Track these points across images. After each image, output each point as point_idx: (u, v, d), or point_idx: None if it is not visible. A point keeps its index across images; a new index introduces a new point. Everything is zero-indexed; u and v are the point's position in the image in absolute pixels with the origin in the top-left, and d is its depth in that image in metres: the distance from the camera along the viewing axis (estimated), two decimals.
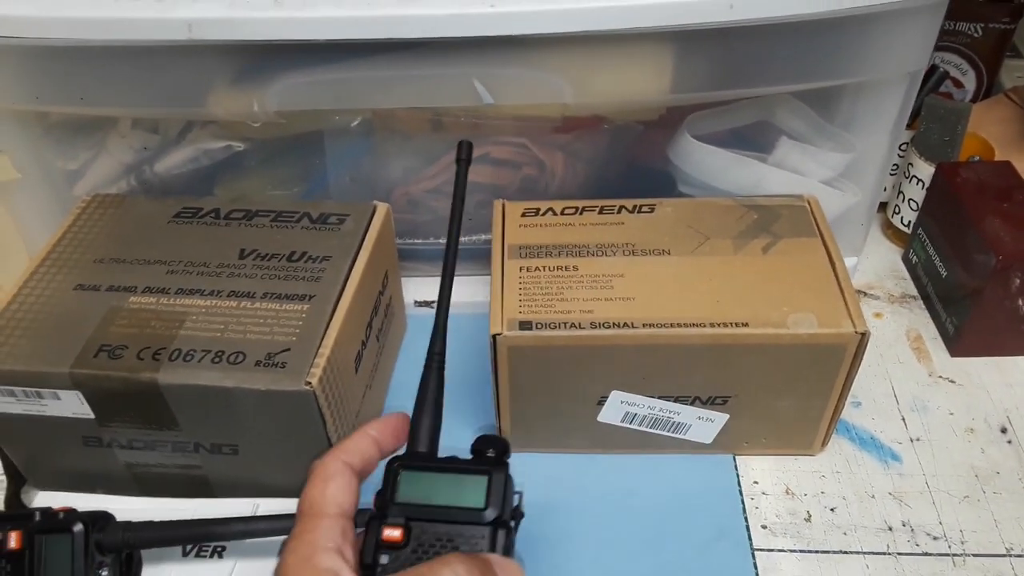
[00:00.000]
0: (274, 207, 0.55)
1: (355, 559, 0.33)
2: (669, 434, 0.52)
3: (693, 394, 0.50)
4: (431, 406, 0.39)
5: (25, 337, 0.47)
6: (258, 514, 0.49)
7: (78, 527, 0.43)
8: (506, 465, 0.37)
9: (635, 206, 0.55)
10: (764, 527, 0.50)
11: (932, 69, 0.69)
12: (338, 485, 0.35)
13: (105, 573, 0.43)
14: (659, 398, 0.50)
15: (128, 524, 0.45)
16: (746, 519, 0.51)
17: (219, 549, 0.48)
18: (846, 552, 0.49)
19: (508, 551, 0.35)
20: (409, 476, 0.36)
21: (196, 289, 0.49)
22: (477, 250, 0.64)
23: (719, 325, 0.47)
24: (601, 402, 0.51)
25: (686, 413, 0.51)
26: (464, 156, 0.44)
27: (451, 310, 0.64)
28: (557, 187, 0.60)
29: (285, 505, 0.48)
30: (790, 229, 0.53)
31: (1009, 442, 0.55)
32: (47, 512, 0.44)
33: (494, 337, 0.47)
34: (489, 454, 0.38)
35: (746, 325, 0.47)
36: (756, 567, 0.48)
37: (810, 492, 0.52)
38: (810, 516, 0.51)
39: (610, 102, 0.55)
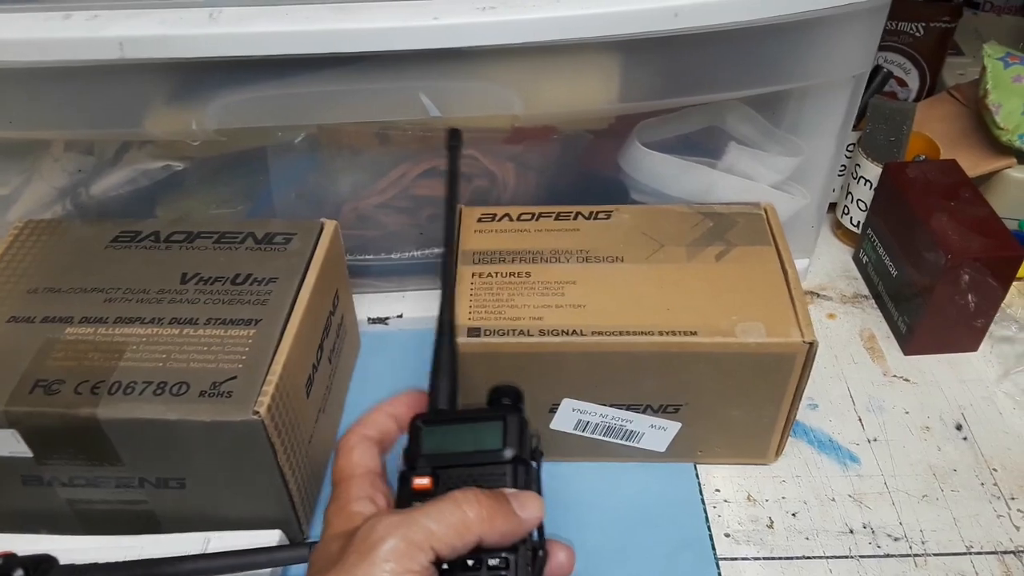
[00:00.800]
0: (217, 228, 0.53)
1: (388, 506, 0.37)
2: (623, 442, 0.52)
3: (644, 402, 0.50)
4: (447, 368, 0.42)
5: None
6: (209, 550, 0.47)
7: (18, 574, 0.41)
8: (520, 410, 0.40)
9: (591, 212, 0.55)
10: (727, 535, 0.50)
11: (876, 69, 0.69)
12: (360, 451, 0.38)
13: None
14: (611, 406, 0.50)
15: (72, 567, 0.43)
16: (709, 528, 0.50)
17: None
18: (809, 557, 0.49)
19: (529, 486, 0.37)
20: (431, 430, 0.39)
21: (136, 317, 0.47)
22: (431, 264, 0.63)
23: (668, 333, 0.47)
24: (553, 410, 0.50)
25: (639, 421, 0.51)
26: (454, 143, 0.47)
27: (410, 325, 0.63)
28: (509, 198, 0.59)
29: (238, 539, 0.47)
30: (745, 237, 0.53)
31: (964, 439, 0.55)
32: None
33: None
34: (504, 402, 0.41)
35: (695, 334, 0.46)
36: None
37: (771, 498, 0.52)
38: (772, 522, 0.51)
39: (559, 112, 0.55)
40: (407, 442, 0.40)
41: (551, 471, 0.52)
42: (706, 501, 0.52)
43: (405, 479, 0.38)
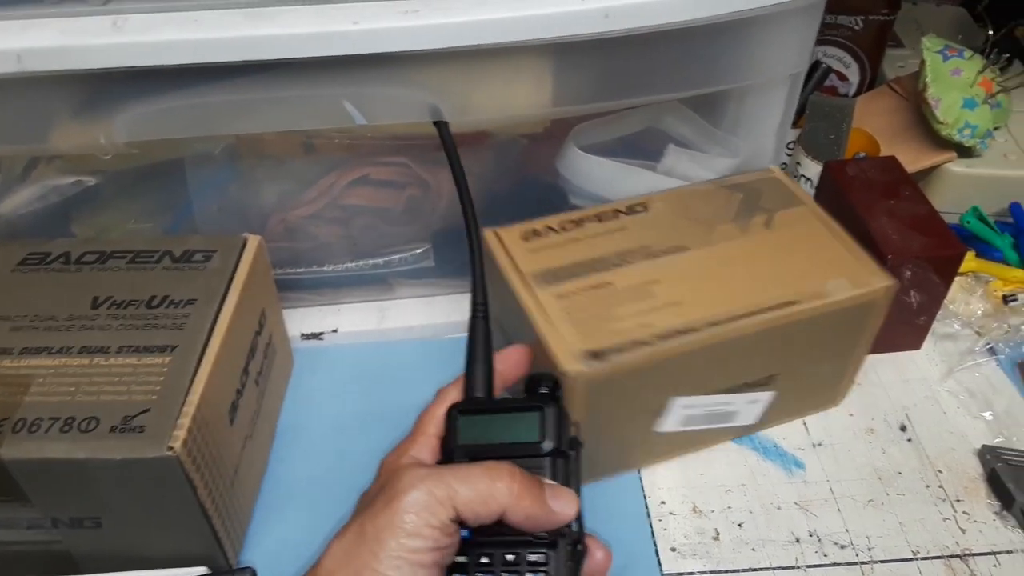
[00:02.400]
0: (132, 247, 0.50)
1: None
2: (719, 425, 0.52)
3: (744, 380, 0.50)
4: (482, 354, 0.41)
5: None
6: None
7: None
8: (558, 399, 0.40)
9: (627, 207, 0.54)
10: (673, 549, 0.49)
11: (815, 65, 0.69)
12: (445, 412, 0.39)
13: None
14: (715, 393, 0.49)
15: None
16: (655, 543, 0.49)
17: None
18: (755, 569, 0.48)
19: (568, 478, 0.38)
20: (468, 420, 0.39)
21: (43, 347, 0.44)
22: (366, 276, 0.61)
23: (772, 308, 0.47)
24: (663, 412, 0.49)
25: (737, 401, 0.51)
26: (445, 134, 0.47)
27: (346, 340, 0.61)
28: (445, 206, 0.57)
29: None
30: (777, 202, 0.54)
31: (909, 440, 0.55)
32: None
33: (570, 376, 0.44)
34: (542, 391, 0.41)
35: (795, 303, 0.47)
36: None
37: (717, 508, 0.51)
38: (718, 534, 0.50)
39: (491, 118, 0.53)
40: (443, 431, 0.40)
41: None
42: (652, 515, 0.51)
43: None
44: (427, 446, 0.39)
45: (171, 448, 0.40)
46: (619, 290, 0.48)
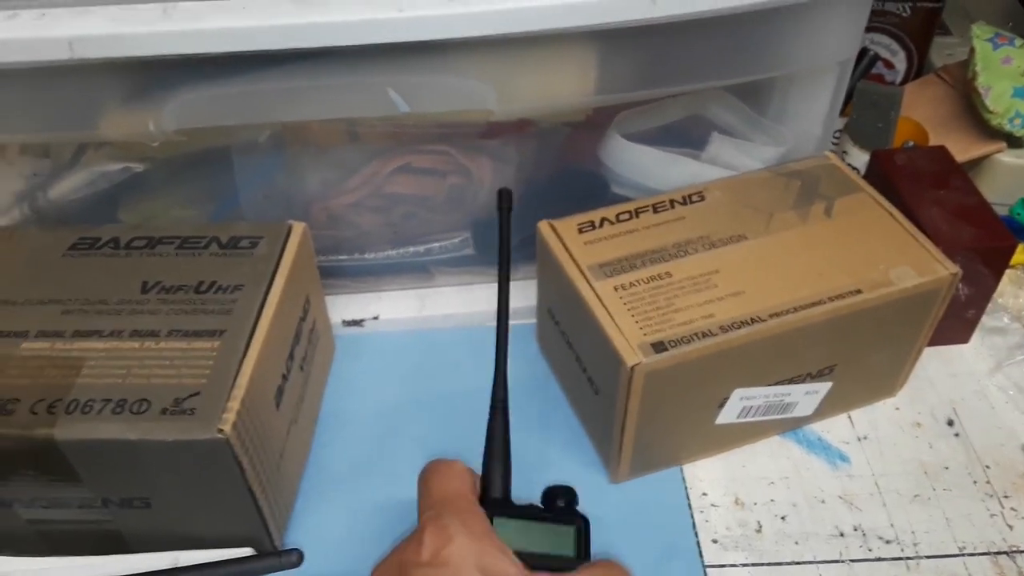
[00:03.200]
0: (180, 232, 0.51)
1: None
2: (776, 417, 0.52)
3: (806, 371, 0.49)
4: (501, 453, 0.43)
5: None
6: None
7: None
8: (581, 513, 0.42)
9: (684, 197, 0.53)
10: (715, 541, 0.49)
11: (863, 52, 0.67)
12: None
13: None
14: (775, 384, 0.49)
15: None
16: (696, 534, 0.49)
17: None
18: (799, 563, 0.48)
19: None
20: (502, 523, 0.40)
21: (95, 330, 0.45)
22: (406, 263, 0.61)
23: (836, 298, 0.46)
24: (722, 404, 0.49)
25: (796, 392, 0.50)
26: (505, 204, 0.49)
27: (386, 327, 0.61)
28: (487, 194, 0.57)
29: (208, 557, 0.45)
30: (835, 189, 0.54)
31: (956, 435, 0.54)
32: None
33: (632, 368, 0.43)
34: (559, 504, 0.43)
35: (859, 292, 0.47)
36: None
37: (760, 501, 0.51)
38: (761, 526, 0.49)
39: (535, 106, 0.52)
40: None
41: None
42: (693, 507, 0.50)
43: None
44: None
45: (221, 430, 0.40)
46: (679, 281, 0.48)
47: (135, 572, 0.45)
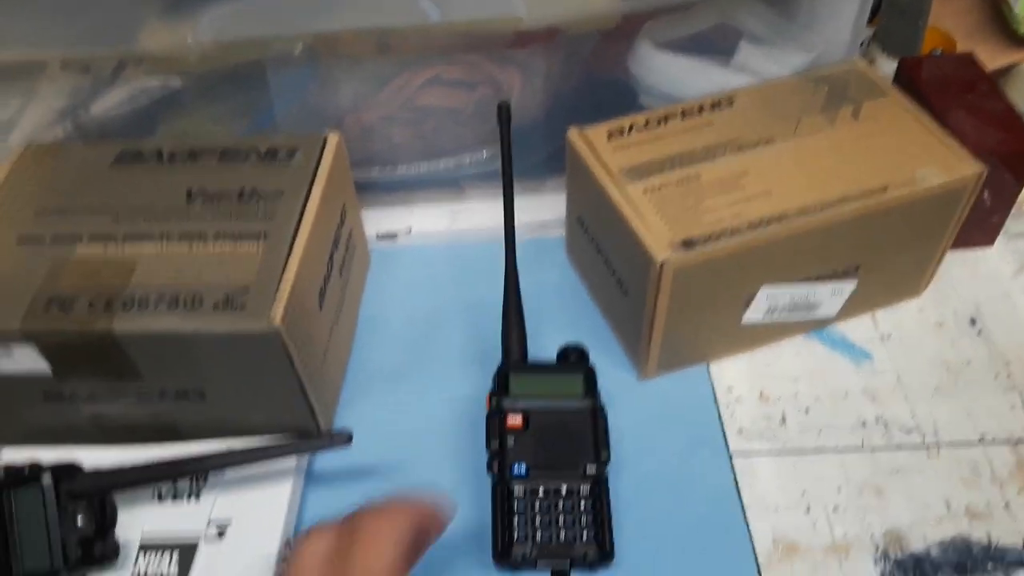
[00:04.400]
0: (219, 144, 0.53)
1: None
2: (801, 316, 0.53)
3: (831, 269, 0.51)
4: (516, 319, 0.50)
5: None
6: None
7: (46, 478, 0.42)
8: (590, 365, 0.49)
9: (712, 103, 0.54)
10: (740, 431, 0.51)
11: None
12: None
13: (80, 520, 0.42)
14: (801, 283, 0.50)
15: (98, 471, 0.44)
16: (722, 425, 0.51)
17: (195, 491, 0.47)
18: (821, 450, 0.50)
19: (607, 433, 0.46)
20: (518, 376, 0.48)
21: (145, 234, 0.47)
22: (438, 177, 0.63)
23: (862, 196, 0.47)
24: (748, 302, 0.50)
25: (821, 291, 0.52)
26: (504, 117, 0.51)
27: (419, 240, 0.63)
28: (515, 105, 0.58)
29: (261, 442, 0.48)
30: (863, 92, 0.54)
31: (979, 333, 0.55)
32: (11, 468, 0.42)
33: (661, 264, 0.45)
34: (572, 359, 0.50)
35: (885, 189, 0.48)
36: (734, 470, 0.49)
37: (784, 395, 0.52)
38: (784, 418, 0.51)
39: (563, 13, 0.53)
40: (494, 386, 0.49)
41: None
42: (719, 401, 0.52)
43: (496, 420, 0.47)
44: None
45: (271, 322, 0.42)
46: (707, 183, 0.49)
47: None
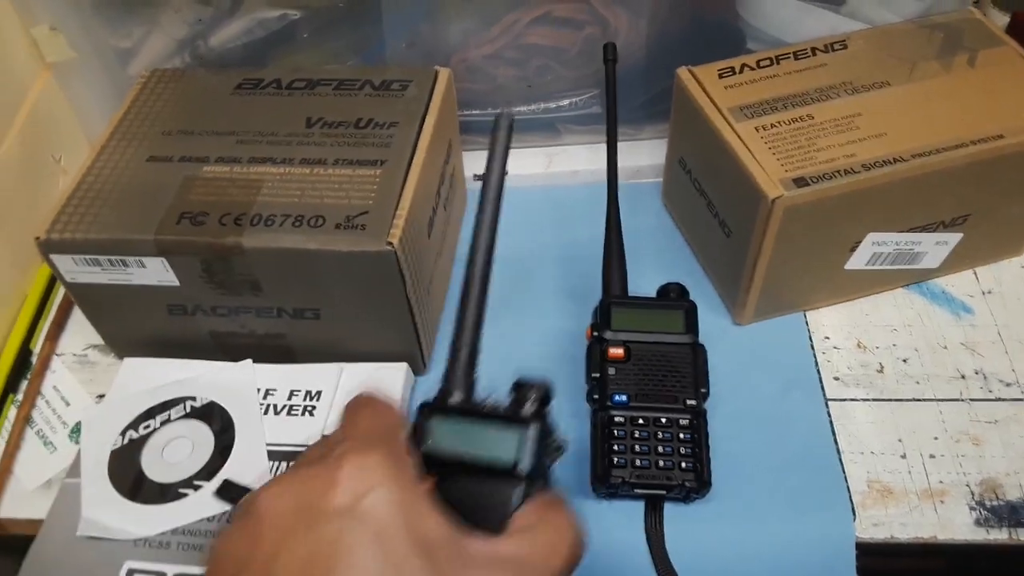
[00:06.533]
0: (335, 76, 0.54)
1: None
2: (903, 267, 0.53)
3: (939, 219, 0.51)
4: (617, 253, 0.52)
5: (106, 207, 0.47)
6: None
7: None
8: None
9: (826, 45, 0.54)
10: (836, 379, 0.51)
11: None
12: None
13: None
14: (908, 231, 0.50)
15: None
16: (818, 372, 0.51)
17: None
18: (919, 400, 0.50)
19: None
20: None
21: (268, 158, 0.49)
22: (536, 120, 0.64)
23: (979, 142, 0.47)
24: (853, 248, 0.50)
25: (926, 241, 0.52)
26: (610, 56, 0.53)
27: (514, 183, 0.64)
28: (620, 46, 0.58)
29: (368, 368, 0.50)
30: (979, 41, 0.53)
31: None
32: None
33: (773, 201, 0.45)
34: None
35: (1001, 136, 0.47)
36: (830, 415, 0.49)
37: (882, 345, 0.52)
38: (882, 367, 0.51)
39: None
40: (595, 318, 0.49)
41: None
42: (816, 348, 0.53)
43: (598, 348, 0.47)
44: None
45: (390, 243, 0.44)
46: (821, 123, 0.49)
47: (306, 377, 0.50)
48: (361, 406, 0.33)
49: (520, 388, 0.34)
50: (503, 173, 0.39)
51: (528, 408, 0.33)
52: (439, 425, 0.32)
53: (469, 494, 0.30)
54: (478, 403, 0.34)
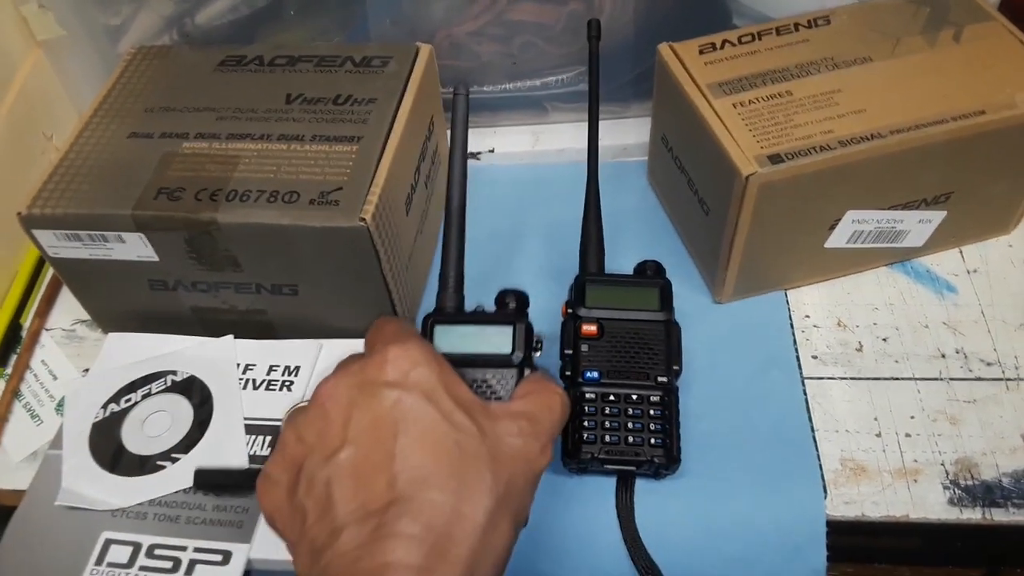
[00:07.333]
0: (317, 52, 0.54)
1: None
2: (886, 245, 0.53)
3: (921, 196, 0.50)
4: (595, 230, 0.51)
5: (87, 183, 0.48)
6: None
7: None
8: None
9: (808, 21, 0.53)
10: (815, 357, 0.51)
11: None
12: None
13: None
14: (889, 209, 0.50)
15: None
16: (796, 350, 0.51)
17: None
18: (897, 379, 0.49)
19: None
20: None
21: (246, 134, 0.49)
22: (522, 98, 0.63)
23: (959, 118, 0.46)
24: (833, 226, 0.50)
25: (908, 219, 0.51)
26: (594, 33, 0.53)
27: (502, 160, 0.64)
28: (606, 23, 0.58)
29: (349, 344, 0.50)
30: (966, 16, 0.53)
31: None
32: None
33: (747, 178, 0.45)
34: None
35: (983, 112, 0.47)
36: (806, 392, 0.49)
37: (862, 324, 0.52)
38: (861, 346, 0.51)
39: None
40: (570, 295, 0.49)
41: None
42: (795, 326, 0.52)
43: (572, 325, 0.47)
44: None
45: (363, 219, 0.44)
46: (799, 99, 0.48)
47: (285, 353, 0.51)
48: (383, 322, 0.38)
49: (503, 296, 0.45)
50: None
51: (511, 310, 0.44)
52: (442, 331, 0.42)
53: (474, 381, 0.40)
54: (470, 312, 0.44)
